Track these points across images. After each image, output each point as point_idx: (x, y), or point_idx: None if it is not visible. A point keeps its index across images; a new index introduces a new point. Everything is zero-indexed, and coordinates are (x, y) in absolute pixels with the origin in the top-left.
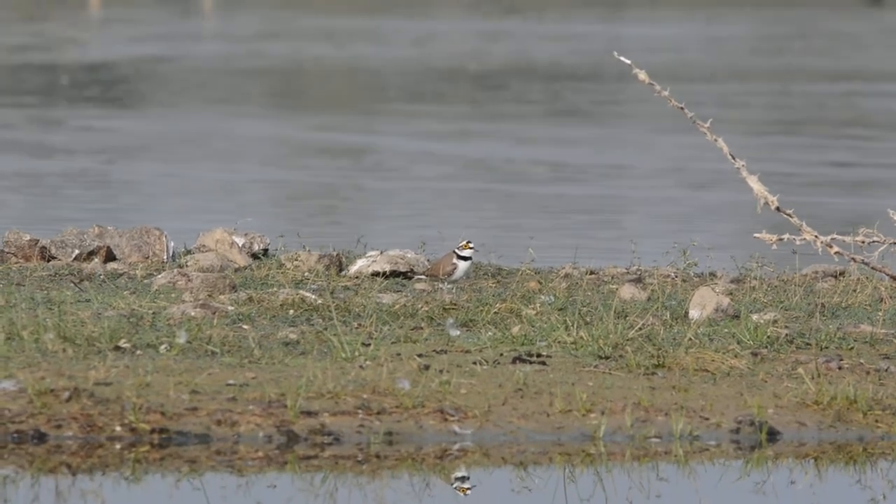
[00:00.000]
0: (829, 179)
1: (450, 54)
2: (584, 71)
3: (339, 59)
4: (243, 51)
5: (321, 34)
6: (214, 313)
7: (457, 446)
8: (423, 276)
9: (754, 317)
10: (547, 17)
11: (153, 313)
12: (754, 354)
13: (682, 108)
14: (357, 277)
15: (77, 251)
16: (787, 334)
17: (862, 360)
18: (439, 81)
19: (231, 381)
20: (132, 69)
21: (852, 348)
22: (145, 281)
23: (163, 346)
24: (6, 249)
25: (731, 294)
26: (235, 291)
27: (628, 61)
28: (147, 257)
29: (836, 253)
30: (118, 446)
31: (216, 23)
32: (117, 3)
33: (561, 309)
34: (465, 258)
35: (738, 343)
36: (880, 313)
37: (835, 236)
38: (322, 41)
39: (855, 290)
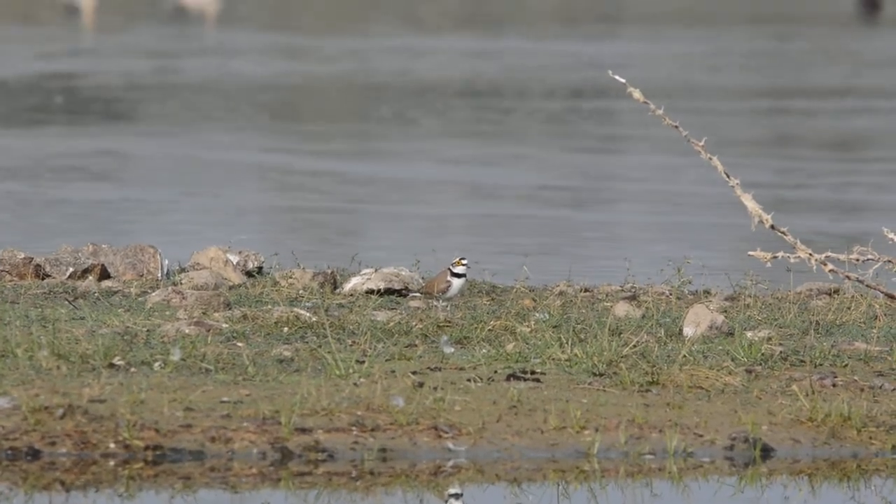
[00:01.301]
0: (800, 199)
1: (443, 69)
2: (580, 89)
3: (333, 75)
4: (237, 65)
5: (313, 51)
6: (209, 331)
7: (451, 463)
8: (417, 294)
9: (748, 334)
10: (533, 36)
11: (147, 331)
12: (748, 371)
13: (676, 127)
14: (351, 295)
15: (71, 269)
16: (781, 351)
17: (856, 377)
18: (437, 98)
19: (225, 399)
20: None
21: (846, 365)
22: (139, 298)
23: (157, 364)
24: (0, 267)
25: (725, 311)
26: (230, 309)
27: (623, 80)
28: (141, 275)
29: (830, 271)
30: (112, 463)
31: (214, 40)
32: (112, 16)
33: (555, 326)
34: (459, 275)
35: (733, 360)
36: (874, 330)
37: (829, 254)
38: (319, 58)
39: (849, 308)
